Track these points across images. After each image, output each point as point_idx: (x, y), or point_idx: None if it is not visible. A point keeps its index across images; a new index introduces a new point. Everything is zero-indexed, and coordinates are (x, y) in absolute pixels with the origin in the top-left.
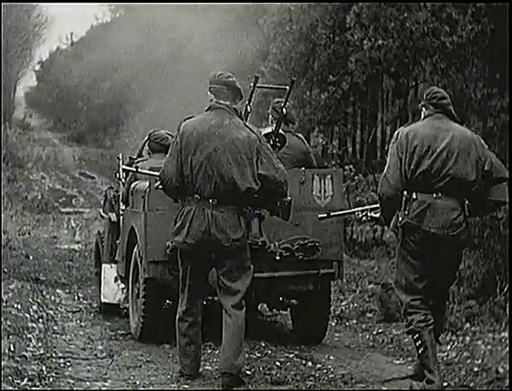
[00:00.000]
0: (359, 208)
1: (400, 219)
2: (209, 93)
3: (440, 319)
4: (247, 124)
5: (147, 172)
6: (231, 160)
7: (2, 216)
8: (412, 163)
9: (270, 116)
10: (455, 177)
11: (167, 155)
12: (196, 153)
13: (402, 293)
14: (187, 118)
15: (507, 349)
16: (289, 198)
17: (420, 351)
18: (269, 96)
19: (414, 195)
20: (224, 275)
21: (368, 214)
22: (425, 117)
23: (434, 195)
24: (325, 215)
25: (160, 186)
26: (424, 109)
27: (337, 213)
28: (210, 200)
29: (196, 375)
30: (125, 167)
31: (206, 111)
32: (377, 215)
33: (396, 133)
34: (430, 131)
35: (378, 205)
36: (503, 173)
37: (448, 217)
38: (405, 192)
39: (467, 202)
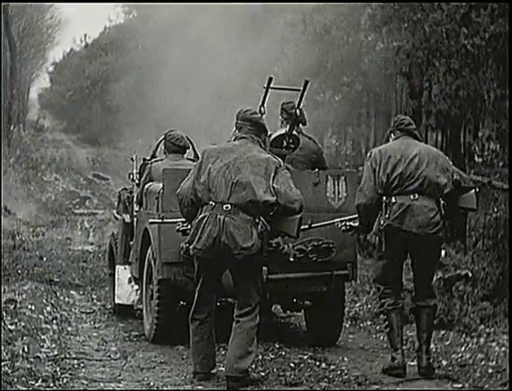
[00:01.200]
0: (339, 219)
1: (382, 222)
2: (234, 128)
3: (429, 304)
4: (269, 153)
5: (170, 221)
6: (249, 169)
7: (16, 217)
8: (388, 169)
9: (280, 117)
10: (427, 178)
11: (187, 176)
12: (216, 162)
13: (378, 284)
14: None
15: None
16: (300, 215)
17: (387, 330)
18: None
19: (393, 199)
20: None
21: (347, 224)
22: (394, 140)
23: (412, 196)
24: (306, 226)
25: (181, 228)
26: (392, 135)
27: (317, 224)
28: (224, 206)
29: (208, 375)
30: (152, 220)
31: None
32: (356, 224)
33: (369, 152)
34: (401, 146)
35: (356, 216)
36: (470, 183)
37: (426, 217)
38: (384, 198)
39: (442, 202)
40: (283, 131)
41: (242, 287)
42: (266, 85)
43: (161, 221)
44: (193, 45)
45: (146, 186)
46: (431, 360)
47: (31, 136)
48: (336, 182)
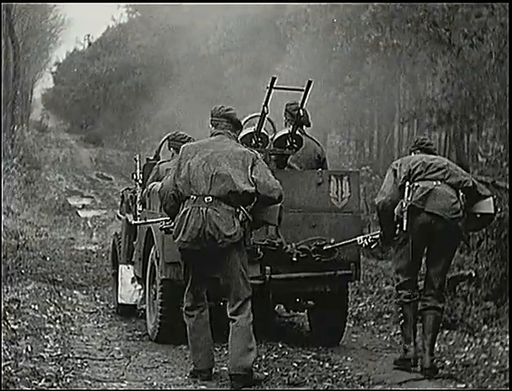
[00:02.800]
0: (361, 237)
1: (404, 204)
2: (210, 125)
3: (438, 305)
4: (246, 146)
5: (153, 220)
6: (227, 162)
7: (20, 217)
8: (409, 163)
9: (284, 118)
10: (449, 169)
11: (168, 173)
12: (195, 157)
13: (397, 274)
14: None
15: None
16: (280, 204)
17: (401, 322)
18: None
19: (416, 184)
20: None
21: (369, 238)
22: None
23: (434, 182)
24: (329, 246)
25: (164, 227)
26: (413, 154)
27: (340, 243)
28: (206, 199)
29: (210, 373)
30: (134, 222)
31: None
32: (377, 236)
33: (391, 165)
34: (419, 156)
35: (378, 231)
36: (486, 191)
37: (448, 202)
38: (407, 183)
39: (462, 194)
40: (286, 131)
41: (231, 282)
42: (269, 85)
43: (144, 221)
44: (196, 45)
45: (149, 186)
46: (434, 361)
47: (34, 136)
48: (339, 182)
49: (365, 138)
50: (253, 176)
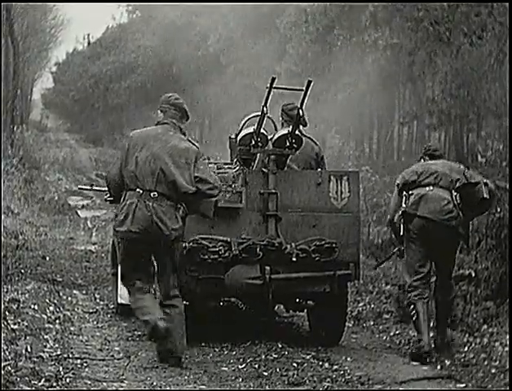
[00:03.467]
0: (396, 248)
1: (400, 212)
2: (158, 111)
3: (447, 297)
4: (189, 139)
5: (99, 188)
6: (172, 159)
7: (19, 217)
8: (408, 176)
9: (280, 118)
10: (440, 172)
11: (114, 161)
12: (143, 151)
13: (406, 275)
14: (135, 129)
15: None
16: (216, 199)
17: (414, 318)
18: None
19: (411, 192)
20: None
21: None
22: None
23: (427, 188)
24: (376, 264)
25: (109, 198)
26: (422, 160)
27: (382, 260)
28: (152, 194)
29: (179, 360)
30: (81, 186)
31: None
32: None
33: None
34: (418, 165)
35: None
36: (477, 178)
37: (438, 204)
38: (404, 192)
39: (455, 194)
40: (285, 131)
41: (162, 276)
42: (269, 85)
43: (90, 187)
44: (196, 44)
45: None
46: (446, 340)
47: (34, 136)
48: (339, 182)
49: (365, 138)
50: (195, 173)
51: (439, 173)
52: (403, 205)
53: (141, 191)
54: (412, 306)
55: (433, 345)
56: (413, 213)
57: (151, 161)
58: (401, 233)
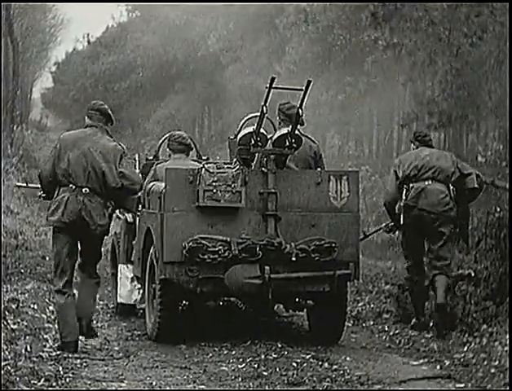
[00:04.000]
0: (383, 224)
1: (401, 203)
2: (86, 117)
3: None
4: (115, 140)
5: (34, 185)
6: (101, 157)
7: (19, 217)
8: (405, 165)
9: (277, 118)
10: (439, 167)
11: (46, 159)
12: (74, 150)
13: (405, 260)
14: (66, 131)
15: None
16: (139, 195)
17: (411, 298)
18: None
19: (411, 185)
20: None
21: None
22: (414, 149)
23: (426, 182)
24: (362, 236)
25: (42, 195)
26: (412, 144)
27: (370, 232)
28: (83, 190)
29: (75, 344)
30: (18, 184)
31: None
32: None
33: (392, 166)
34: (417, 152)
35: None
36: (469, 170)
37: (436, 198)
38: (405, 185)
39: (452, 187)
40: (285, 131)
41: (88, 259)
42: (268, 85)
43: (25, 184)
44: (196, 44)
45: (148, 185)
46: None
47: (34, 135)
48: (338, 182)
49: (364, 138)
50: (121, 170)
51: (436, 167)
52: (404, 197)
53: (73, 187)
54: (409, 289)
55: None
56: (413, 205)
57: (82, 159)
58: (401, 222)
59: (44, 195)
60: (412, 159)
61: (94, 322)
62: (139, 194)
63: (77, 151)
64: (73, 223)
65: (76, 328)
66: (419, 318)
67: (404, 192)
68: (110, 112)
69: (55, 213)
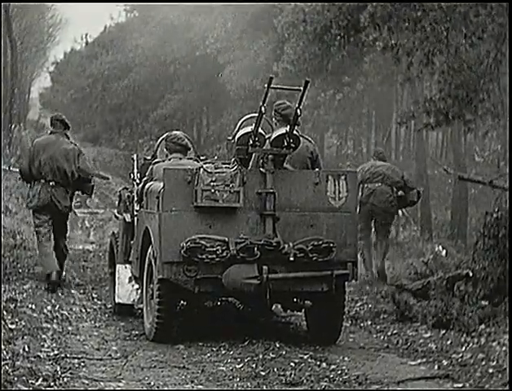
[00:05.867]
0: None
1: (358, 198)
2: (50, 125)
3: (383, 245)
4: (73, 142)
5: (15, 170)
6: (63, 158)
7: (17, 217)
8: (363, 172)
9: (274, 119)
10: (386, 174)
11: (25, 157)
12: (43, 154)
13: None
14: (37, 137)
15: None
16: (93, 183)
17: (362, 259)
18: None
19: (366, 185)
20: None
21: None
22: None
23: (377, 184)
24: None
25: (23, 179)
26: (372, 159)
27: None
28: (51, 183)
29: (57, 274)
30: (3, 166)
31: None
32: None
33: (358, 168)
34: (371, 164)
35: None
36: (413, 185)
37: (384, 197)
38: (361, 185)
39: (395, 190)
40: (283, 131)
41: (58, 230)
42: (266, 85)
43: (8, 168)
44: (194, 44)
45: (146, 185)
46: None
47: (31, 135)
48: (336, 182)
49: (362, 138)
50: (79, 165)
51: (385, 175)
52: (360, 195)
53: (44, 181)
54: (360, 252)
55: (376, 275)
56: (366, 201)
57: (50, 161)
58: (358, 212)
59: (24, 180)
60: (369, 166)
61: (93, 322)
62: (92, 183)
63: (46, 155)
64: (47, 206)
65: (54, 260)
66: (368, 275)
67: (361, 191)
68: (66, 119)
69: (33, 200)
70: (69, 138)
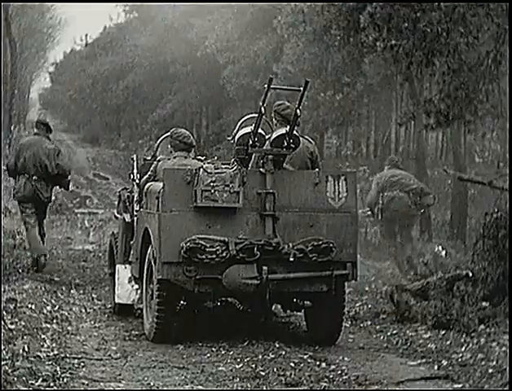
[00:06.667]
0: (361, 210)
1: (379, 206)
2: (34, 127)
3: (407, 246)
4: (54, 142)
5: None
6: (45, 156)
7: (17, 217)
8: (382, 181)
9: (274, 120)
10: (404, 183)
11: (11, 155)
12: (27, 152)
13: (384, 238)
14: (22, 138)
15: None
16: (69, 179)
17: (396, 263)
18: (283, 97)
19: (385, 193)
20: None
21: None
22: (387, 169)
23: (395, 192)
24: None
25: (9, 174)
26: (386, 167)
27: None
28: (33, 177)
29: (44, 256)
30: None
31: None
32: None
33: (375, 178)
34: (391, 171)
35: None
36: (428, 190)
37: (402, 202)
38: (380, 193)
39: (411, 195)
40: (283, 131)
41: (41, 217)
42: (266, 86)
43: None
44: (194, 44)
45: (146, 185)
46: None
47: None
48: (336, 182)
49: (362, 139)
50: (57, 162)
51: (404, 183)
52: (380, 202)
53: (28, 176)
54: (393, 257)
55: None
56: (387, 207)
57: (33, 158)
58: (379, 217)
59: (10, 175)
60: (388, 175)
61: (92, 322)
62: (68, 178)
63: (29, 153)
64: (31, 197)
65: (41, 244)
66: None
67: (380, 198)
68: (49, 122)
69: (19, 192)
70: (50, 139)
